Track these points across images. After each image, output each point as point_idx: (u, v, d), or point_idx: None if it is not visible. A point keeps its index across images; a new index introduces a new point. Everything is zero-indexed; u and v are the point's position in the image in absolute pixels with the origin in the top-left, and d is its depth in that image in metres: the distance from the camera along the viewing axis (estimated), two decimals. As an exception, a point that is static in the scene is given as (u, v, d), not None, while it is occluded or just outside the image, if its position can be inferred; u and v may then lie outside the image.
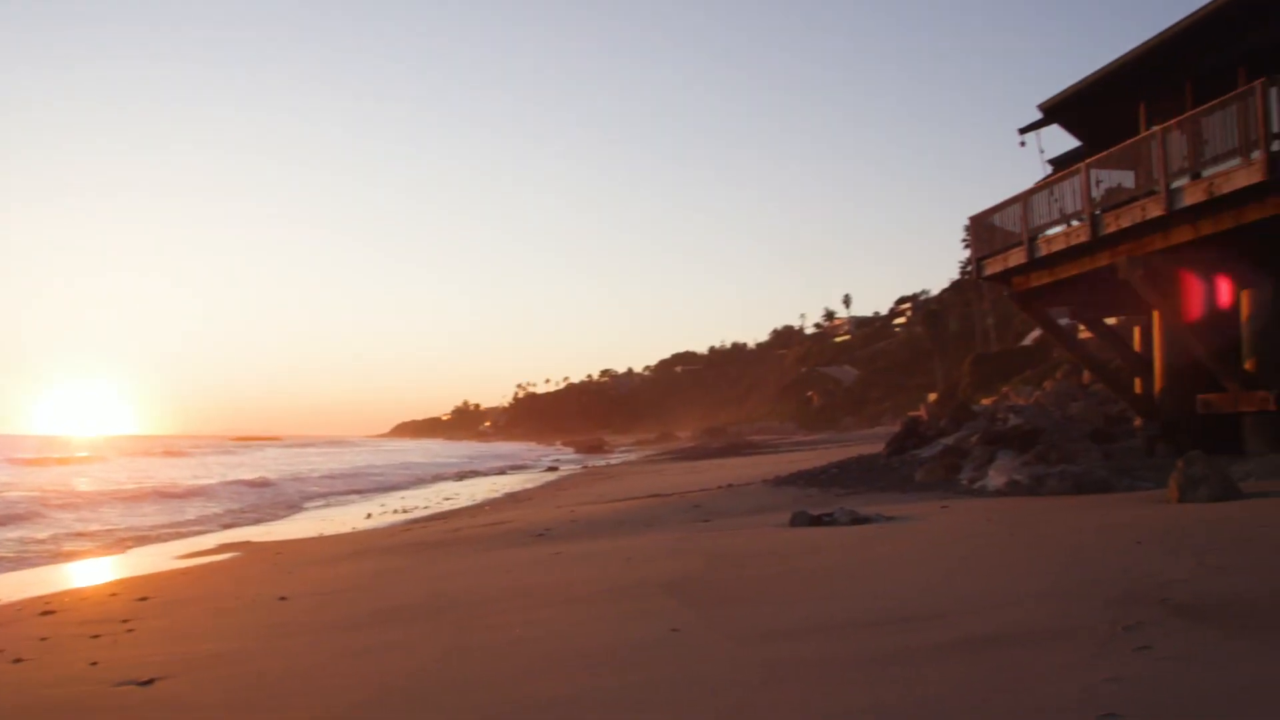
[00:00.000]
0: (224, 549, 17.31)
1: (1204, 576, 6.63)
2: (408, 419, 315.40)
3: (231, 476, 41.66)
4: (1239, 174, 14.46)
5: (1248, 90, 14.33)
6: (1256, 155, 14.11)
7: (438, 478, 45.10)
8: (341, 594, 9.79)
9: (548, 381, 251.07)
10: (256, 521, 24.21)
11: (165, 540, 19.63)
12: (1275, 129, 13.96)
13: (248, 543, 18.40)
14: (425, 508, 26.34)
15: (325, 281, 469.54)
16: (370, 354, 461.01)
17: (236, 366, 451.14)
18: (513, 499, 27.99)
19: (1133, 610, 5.74)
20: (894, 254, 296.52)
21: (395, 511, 25.49)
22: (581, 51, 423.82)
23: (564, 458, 71.46)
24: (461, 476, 46.09)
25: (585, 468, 50.16)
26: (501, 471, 50.03)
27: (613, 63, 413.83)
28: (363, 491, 36.00)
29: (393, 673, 5.94)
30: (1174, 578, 6.60)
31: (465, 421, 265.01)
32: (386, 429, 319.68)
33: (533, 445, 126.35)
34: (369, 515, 24.68)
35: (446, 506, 26.44)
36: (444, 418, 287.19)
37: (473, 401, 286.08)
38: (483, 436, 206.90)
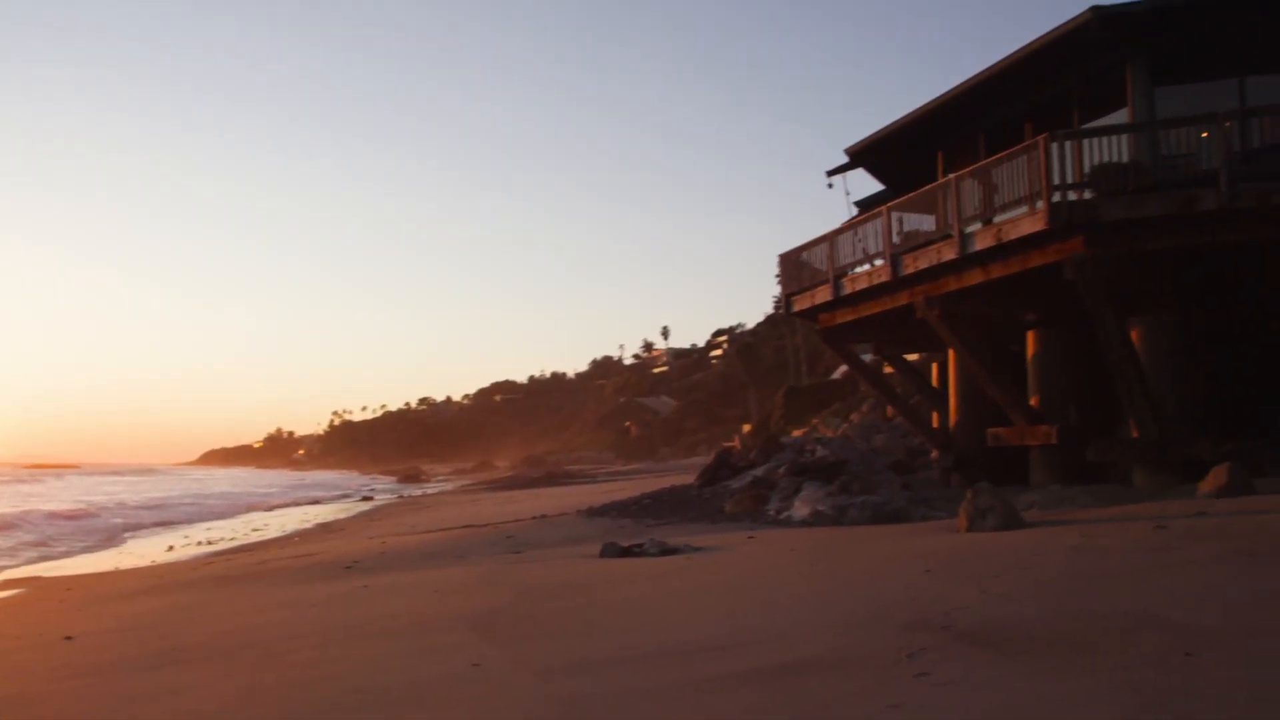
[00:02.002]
0: (6, 585, 16.33)
1: (986, 603, 7.00)
2: (217, 446, 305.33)
3: (28, 507, 39.36)
4: (1024, 222, 15.38)
5: (1032, 144, 15.29)
6: (1040, 205, 15.05)
7: (248, 508, 43.64)
8: (133, 632, 9.38)
9: (365, 409, 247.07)
10: (43, 558, 22.89)
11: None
12: (1056, 181, 14.93)
13: (35, 578, 17.41)
14: (231, 539, 25.45)
15: (123, 301, 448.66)
16: (176, 378, 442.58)
17: (21, 388, 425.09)
18: (324, 530, 27.31)
19: (918, 637, 6.02)
20: (711, 287, 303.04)
21: (199, 543, 24.54)
22: (394, 73, 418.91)
23: (380, 487, 70.08)
24: (272, 506, 44.72)
25: (401, 497, 49.32)
26: (315, 501, 48.74)
27: (431, 88, 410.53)
28: (168, 523, 34.46)
29: (183, 715, 5.75)
30: (958, 605, 6.94)
31: (278, 449, 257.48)
32: (194, 456, 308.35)
33: (349, 474, 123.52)
34: (171, 548, 23.69)
35: (254, 538, 25.61)
36: (256, 445, 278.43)
37: (286, 429, 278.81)
38: (297, 465, 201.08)
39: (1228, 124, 14.79)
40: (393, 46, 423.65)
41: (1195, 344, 16.70)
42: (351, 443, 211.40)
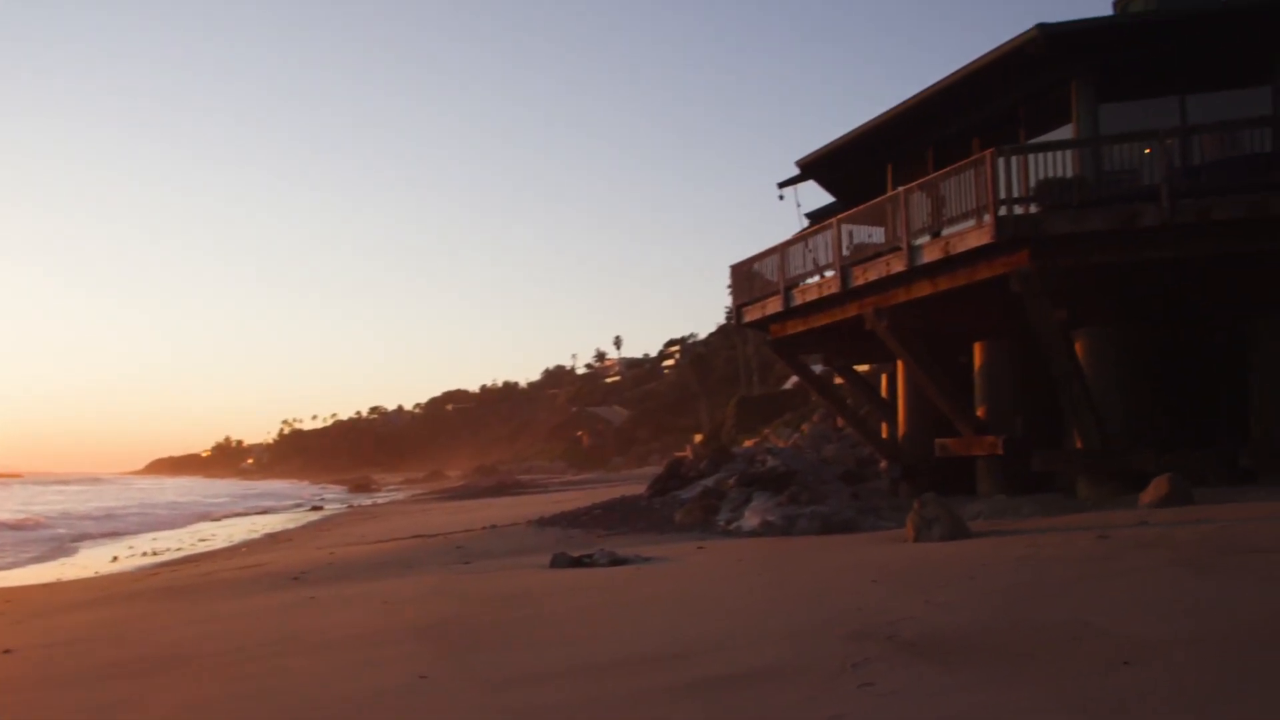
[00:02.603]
0: (-56, 598, 16.00)
1: (929, 613, 7.07)
2: (164, 455, 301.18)
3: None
4: (971, 235, 15.58)
5: (980, 159, 15.49)
6: (987, 218, 15.25)
7: (196, 518, 43.08)
8: (75, 645, 9.23)
9: (315, 418, 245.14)
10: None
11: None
12: (1002, 195, 15.14)
13: (-28, 591, 17.08)
14: (178, 550, 25.11)
15: (65, 308, 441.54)
16: (121, 385, 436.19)
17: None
18: (272, 540, 27.02)
19: (863, 647, 6.08)
20: (664, 297, 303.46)
21: (145, 554, 24.19)
22: (345, 78, 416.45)
23: (330, 496, 69.40)
24: (221, 517, 44.17)
25: (351, 507, 48.89)
26: (263, 511, 48.18)
27: (383, 92, 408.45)
28: (114, 534, 33.91)
29: (123, 729, 5.67)
30: (903, 615, 7.02)
31: (227, 458, 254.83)
32: (140, 465, 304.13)
33: (298, 483, 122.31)
34: (116, 558, 23.35)
35: (201, 549, 25.29)
36: (204, 454, 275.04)
37: (235, 438, 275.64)
38: (245, 474, 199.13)
39: (1169, 141, 15.08)
40: (340, 48, 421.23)
41: (1138, 356, 17.00)
42: (302, 452, 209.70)
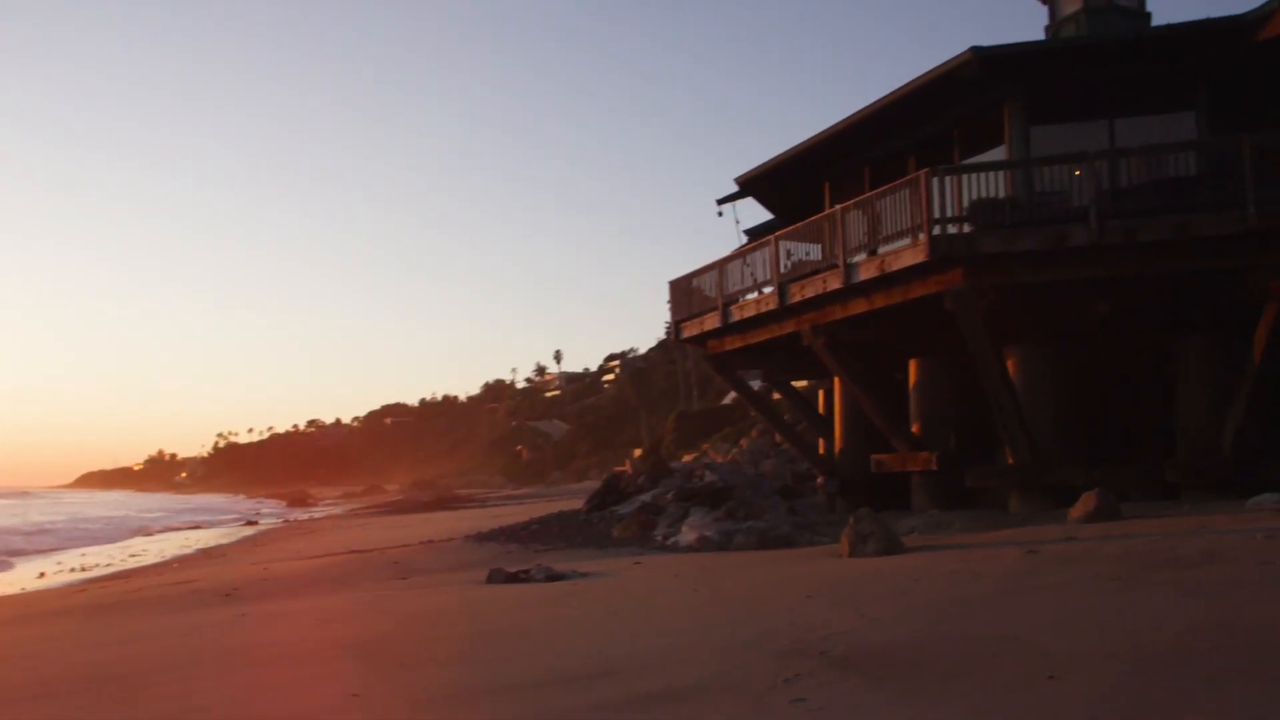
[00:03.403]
0: None
1: (862, 629, 7.15)
2: (95, 468, 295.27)
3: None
4: (906, 253, 15.79)
5: (914, 179, 15.72)
6: (921, 238, 15.47)
7: (128, 532, 42.29)
8: (-5, 664, 9.02)
9: (251, 431, 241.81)
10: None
11: None
12: (937, 215, 15.37)
13: (-109, 609, 16.63)
14: (108, 566, 24.66)
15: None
16: (50, 396, 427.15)
17: None
18: (206, 555, 26.64)
19: (795, 663, 6.13)
20: (605, 312, 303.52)
21: (74, 570, 23.71)
22: (283, 86, 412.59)
23: (266, 511, 68.56)
24: (153, 531, 43.43)
25: (287, 522, 48.36)
26: (197, 526, 47.46)
27: (321, 101, 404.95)
28: (42, 550, 33.11)
29: (44, 752, 5.56)
30: (836, 630, 7.09)
31: (159, 472, 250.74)
32: (71, 479, 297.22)
33: (234, 497, 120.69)
34: (43, 574, 22.86)
35: (132, 564, 24.88)
36: (136, 467, 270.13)
37: (168, 450, 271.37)
38: (179, 488, 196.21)
39: (1098, 163, 15.40)
40: (269, 56, 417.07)
41: (1068, 374, 17.33)
42: (237, 465, 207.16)
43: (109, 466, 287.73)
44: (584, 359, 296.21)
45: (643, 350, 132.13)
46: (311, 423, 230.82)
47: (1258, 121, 15.93)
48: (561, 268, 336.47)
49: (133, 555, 28.28)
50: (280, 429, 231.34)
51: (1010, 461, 16.83)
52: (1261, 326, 14.90)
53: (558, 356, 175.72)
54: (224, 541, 33.62)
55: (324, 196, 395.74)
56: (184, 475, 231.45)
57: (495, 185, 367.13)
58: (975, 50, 16.54)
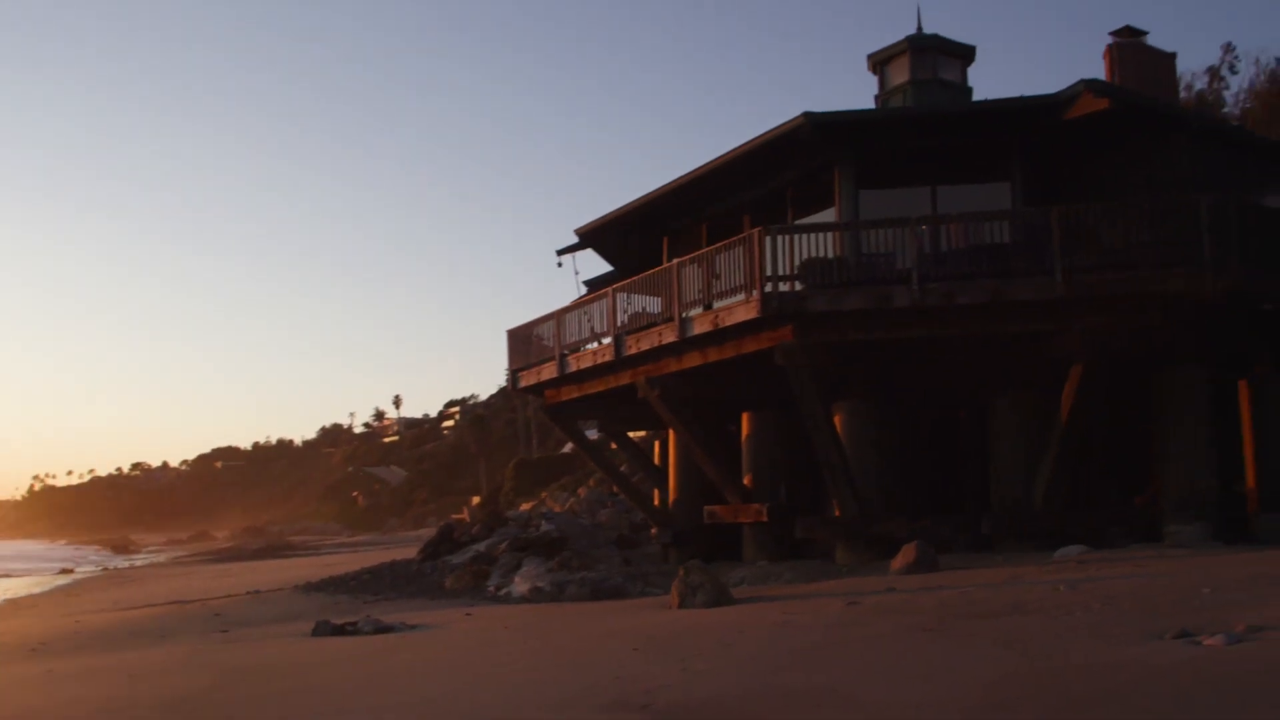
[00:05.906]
0: None
1: (685, 681, 7.24)
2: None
3: None
4: (740, 309, 16.19)
5: (748, 236, 16.17)
6: (754, 294, 15.89)
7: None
8: None
9: (70, 473, 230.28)
10: None
11: None
12: (769, 272, 15.82)
13: None
14: (-105, 620, 23.05)
15: None
16: None
17: None
18: (13, 606, 25.19)
19: (618, 717, 6.17)
20: (446, 357, 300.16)
21: None
22: (132, 106, 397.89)
23: (84, 558, 65.21)
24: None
25: (106, 570, 46.19)
26: (7, 574, 44.75)
27: (166, 129, 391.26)
28: None
29: None
30: (659, 683, 7.15)
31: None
32: None
33: (51, 544, 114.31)
34: None
35: (-74, 617, 23.31)
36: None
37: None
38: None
39: (921, 228, 16.12)
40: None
41: (893, 429, 17.96)
42: (55, 509, 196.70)
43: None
44: (424, 404, 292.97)
45: (484, 397, 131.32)
46: (137, 465, 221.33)
47: (1066, 193, 16.95)
48: (402, 311, 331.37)
49: (-71, 607, 26.54)
50: (102, 472, 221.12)
51: (837, 514, 17.31)
52: (1068, 386, 15.74)
53: (397, 402, 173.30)
54: (35, 591, 31.87)
55: (160, 231, 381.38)
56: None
57: (335, 226, 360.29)
58: (808, 115, 17.17)
